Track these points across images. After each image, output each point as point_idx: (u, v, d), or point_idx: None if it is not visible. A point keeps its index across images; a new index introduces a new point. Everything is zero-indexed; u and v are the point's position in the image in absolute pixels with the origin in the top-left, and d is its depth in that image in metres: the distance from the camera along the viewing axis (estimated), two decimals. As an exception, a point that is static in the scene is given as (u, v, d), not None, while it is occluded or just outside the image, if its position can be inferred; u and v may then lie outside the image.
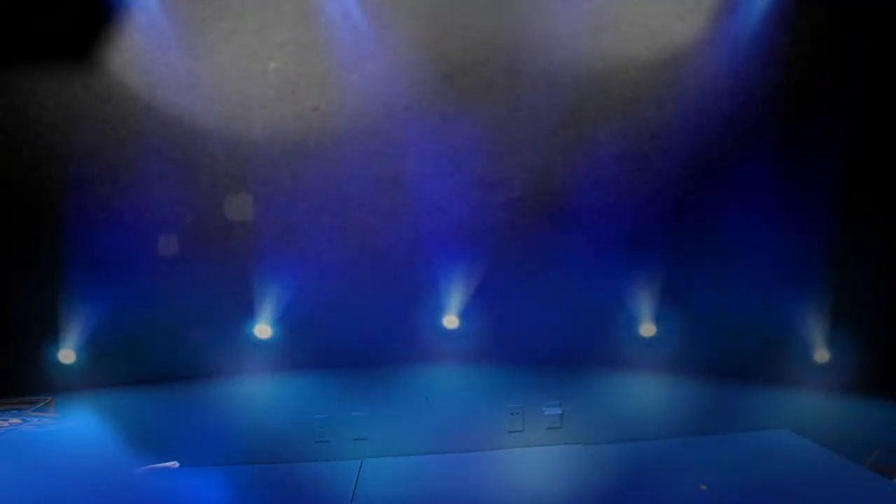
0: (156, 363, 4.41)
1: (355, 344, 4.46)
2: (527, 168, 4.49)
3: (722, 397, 4.54)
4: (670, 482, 3.81)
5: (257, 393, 4.47)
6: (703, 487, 3.68)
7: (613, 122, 4.45)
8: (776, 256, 4.47)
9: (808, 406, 4.48)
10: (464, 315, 4.52)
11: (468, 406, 4.55)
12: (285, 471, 4.24)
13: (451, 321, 4.53)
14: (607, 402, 4.57)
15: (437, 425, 4.51)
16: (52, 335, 4.32)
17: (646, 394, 4.56)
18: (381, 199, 4.47)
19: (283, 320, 4.45)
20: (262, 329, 4.45)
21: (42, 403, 4.24)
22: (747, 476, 3.84)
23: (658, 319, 4.55)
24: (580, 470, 4.10)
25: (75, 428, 4.24)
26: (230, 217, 4.41)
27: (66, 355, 4.35)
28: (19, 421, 4.08)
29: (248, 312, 4.45)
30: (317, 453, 4.42)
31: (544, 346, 4.54)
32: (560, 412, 4.54)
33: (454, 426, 4.53)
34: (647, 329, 4.56)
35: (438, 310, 4.54)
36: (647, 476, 3.94)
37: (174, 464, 4.19)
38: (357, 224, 4.47)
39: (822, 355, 4.48)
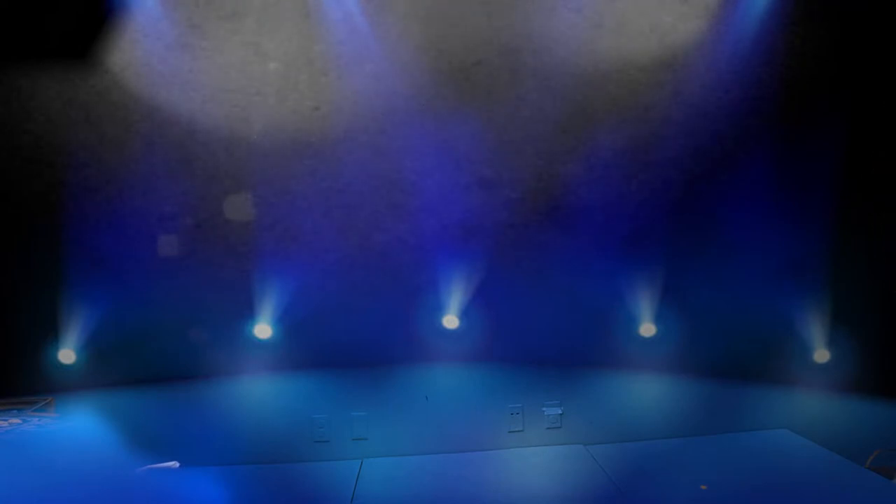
0: (156, 363, 4.40)
1: (355, 344, 4.46)
2: (527, 168, 4.48)
3: (723, 397, 4.54)
4: (670, 482, 3.81)
5: (257, 393, 4.47)
6: (704, 487, 3.67)
7: (614, 122, 4.45)
8: (777, 256, 4.47)
9: (808, 406, 4.48)
10: (464, 315, 4.52)
11: (468, 406, 4.55)
12: (284, 471, 4.24)
13: (451, 321, 4.52)
14: (608, 401, 4.57)
15: (438, 425, 4.51)
16: (52, 335, 4.32)
17: (646, 394, 4.56)
18: (381, 198, 4.47)
19: (284, 320, 4.44)
20: (262, 329, 4.44)
21: (42, 403, 4.23)
22: (747, 476, 3.85)
23: (658, 319, 4.55)
24: (580, 470, 4.10)
25: (76, 428, 4.24)
26: (230, 217, 4.41)
27: (66, 355, 4.34)
28: (19, 421, 4.08)
29: (248, 312, 4.44)
30: (316, 453, 4.41)
31: (544, 346, 4.54)
32: (560, 412, 4.53)
33: (454, 426, 4.53)
34: (647, 329, 4.56)
35: (438, 310, 4.53)
36: (646, 476, 3.94)
37: (174, 464, 4.18)
38: (357, 224, 4.47)
39: (822, 355, 4.48)
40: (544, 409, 4.55)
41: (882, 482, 3.70)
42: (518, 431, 4.54)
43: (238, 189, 4.40)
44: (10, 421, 4.08)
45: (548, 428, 4.55)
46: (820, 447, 4.16)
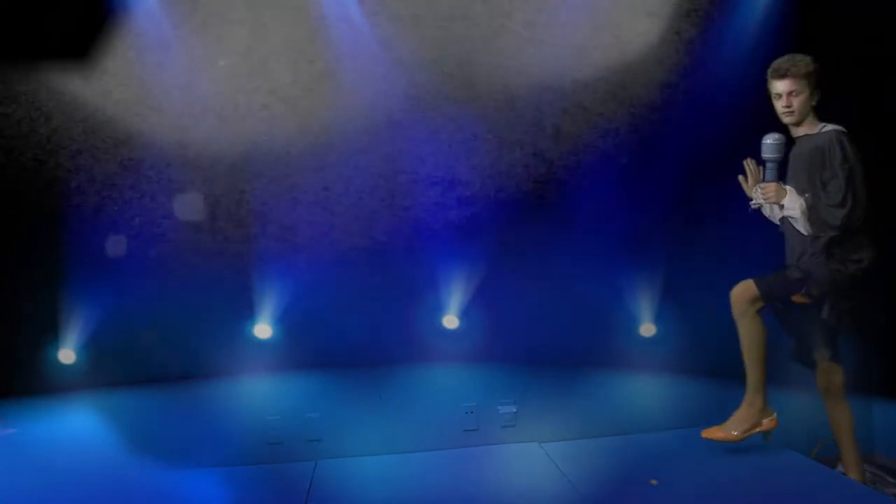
0: (155, 363, 4.40)
1: (355, 344, 4.45)
2: (527, 168, 4.49)
3: (724, 396, 4.53)
4: (624, 477, 3.85)
5: (257, 392, 4.46)
6: (654, 482, 3.70)
7: (614, 122, 4.46)
8: (776, 255, 4.46)
9: (807, 405, 4.47)
10: (464, 315, 4.52)
11: (468, 405, 4.55)
12: (280, 470, 4.24)
13: (451, 321, 4.52)
14: (609, 400, 4.57)
15: (437, 424, 4.51)
16: (52, 335, 4.31)
17: (645, 392, 4.57)
18: (381, 198, 4.48)
19: (284, 320, 4.44)
20: (262, 329, 4.44)
21: None
22: (696, 471, 3.90)
23: (658, 319, 4.55)
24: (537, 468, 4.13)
25: (75, 428, 4.25)
26: (229, 217, 4.41)
27: (66, 355, 4.34)
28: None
29: (248, 312, 4.44)
30: (309, 452, 4.40)
31: (544, 346, 4.53)
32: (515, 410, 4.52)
33: (454, 424, 4.52)
34: (647, 329, 4.56)
35: (438, 310, 4.53)
36: (600, 471, 3.98)
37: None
38: (357, 224, 4.48)
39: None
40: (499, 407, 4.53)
41: (826, 471, 3.86)
42: (511, 426, 4.53)
43: (238, 189, 4.40)
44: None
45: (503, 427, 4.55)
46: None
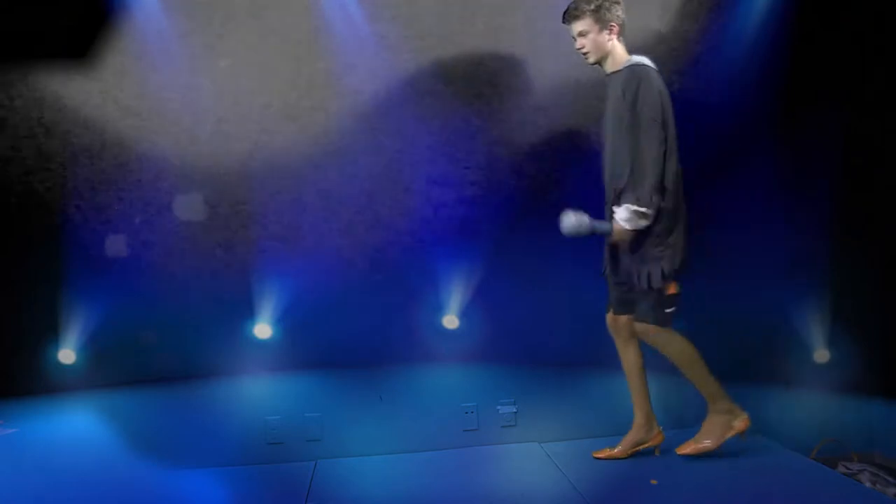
0: (156, 363, 4.41)
1: (355, 344, 4.46)
2: (527, 169, 4.49)
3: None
4: (624, 477, 3.83)
5: (257, 392, 4.46)
6: (654, 482, 3.69)
7: (613, 121, 4.45)
8: (776, 256, 4.46)
9: (808, 406, 4.48)
10: (464, 315, 4.52)
11: (468, 405, 4.55)
12: (280, 470, 4.23)
13: (451, 321, 4.53)
14: (609, 400, 4.56)
15: (438, 424, 4.51)
16: (52, 335, 4.32)
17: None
18: (381, 199, 4.48)
19: (284, 320, 4.45)
20: (262, 329, 4.44)
21: None
22: (696, 471, 3.87)
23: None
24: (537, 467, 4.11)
25: (75, 428, 4.25)
26: (230, 217, 4.41)
27: (66, 355, 4.34)
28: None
29: (248, 312, 4.44)
30: (309, 452, 4.39)
31: (544, 346, 4.53)
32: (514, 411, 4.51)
33: (454, 424, 4.53)
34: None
35: (438, 310, 4.54)
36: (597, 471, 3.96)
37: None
38: (357, 224, 4.48)
39: (821, 355, 4.48)
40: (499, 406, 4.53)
41: (827, 471, 3.81)
42: (511, 426, 4.52)
43: (238, 190, 4.41)
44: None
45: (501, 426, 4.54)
46: (768, 439, 4.18)
